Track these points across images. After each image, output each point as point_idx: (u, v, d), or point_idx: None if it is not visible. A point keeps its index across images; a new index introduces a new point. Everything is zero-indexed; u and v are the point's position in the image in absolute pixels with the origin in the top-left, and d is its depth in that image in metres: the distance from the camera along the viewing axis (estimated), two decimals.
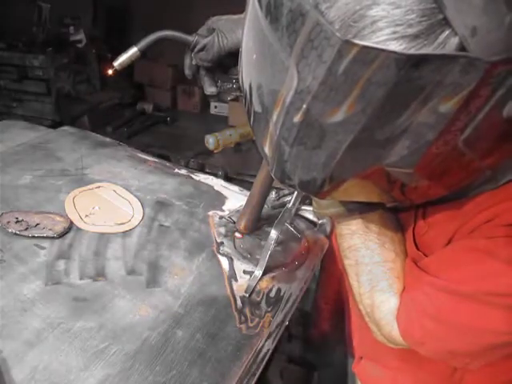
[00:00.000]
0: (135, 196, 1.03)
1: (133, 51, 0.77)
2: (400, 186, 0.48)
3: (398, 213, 0.68)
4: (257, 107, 0.48)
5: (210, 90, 0.82)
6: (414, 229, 0.65)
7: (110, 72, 0.78)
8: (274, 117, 0.44)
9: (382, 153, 0.41)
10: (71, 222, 0.91)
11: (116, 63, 0.78)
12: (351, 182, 0.47)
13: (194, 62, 0.76)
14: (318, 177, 0.46)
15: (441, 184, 0.48)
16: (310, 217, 1.05)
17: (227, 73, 0.75)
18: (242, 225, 0.93)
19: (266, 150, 0.50)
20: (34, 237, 0.86)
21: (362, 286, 0.66)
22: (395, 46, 0.34)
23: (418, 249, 0.63)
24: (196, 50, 0.74)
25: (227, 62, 0.76)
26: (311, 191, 0.50)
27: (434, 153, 0.41)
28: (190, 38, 0.75)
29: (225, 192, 1.11)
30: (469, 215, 0.56)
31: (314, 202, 0.68)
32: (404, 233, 0.67)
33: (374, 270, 0.64)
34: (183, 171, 1.20)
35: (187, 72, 0.80)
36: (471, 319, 0.54)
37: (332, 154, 0.42)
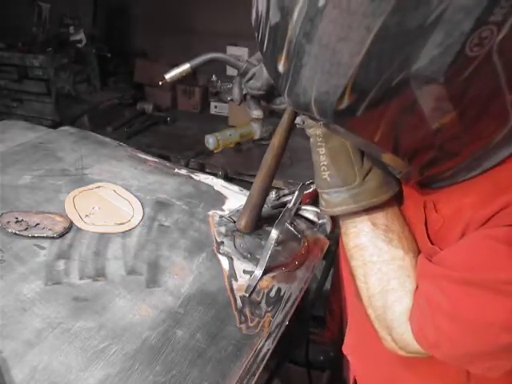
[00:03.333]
0: (135, 196, 1.03)
1: (185, 67, 0.80)
2: (423, 135, 0.44)
3: (406, 210, 0.66)
4: (274, 18, 0.45)
5: (256, 113, 0.82)
6: (426, 224, 0.61)
7: (160, 83, 0.82)
8: (295, 13, 0.41)
9: (411, 52, 0.38)
10: (71, 222, 0.91)
11: (167, 76, 0.81)
12: (371, 109, 0.43)
13: (244, 91, 0.79)
14: (339, 83, 0.42)
15: (468, 132, 0.45)
16: (310, 217, 1.05)
17: (271, 102, 0.78)
18: (242, 224, 0.93)
19: (281, 66, 0.46)
20: (33, 237, 0.86)
21: (371, 287, 0.63)
22: None
23: (432, 244, 0.60)
24: (246, 78, 0.76)
25: (273, 91, 0.77)
26: (328, 109, 0.45)
27: (466, 58, 0.38)
28: (240, 64, 0.77)
29: (225, 192, 1.11)
30: (486, 199, 0.52)
31: (321, 201, 0.65)
32: (414, 229, 0.64)
33: (383, 269, 0.61)
34: (183, 171, 1.20)
35: (236, 97, 0.81)
36: (491, 314, 0.50)
37: (357, 47, 0.39)
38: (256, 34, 0.50)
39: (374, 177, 0.60)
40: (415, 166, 0.53)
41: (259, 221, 0.96)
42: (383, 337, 0.64)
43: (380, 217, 0.62)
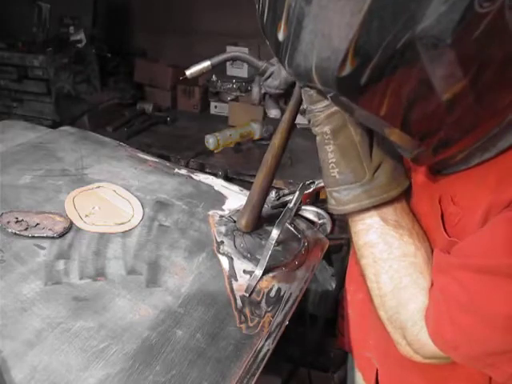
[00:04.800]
0: (135, 196, 1.03)
1: (205, 64, 0.82)
2: (433, 107, 0.42)
3: (420, 205, 0.64)
4: None
5: (274, 113, 0.84)
6: (442, 217, 0.59)
7: (181, 78, 0.85)
8: None
9: (416, 9, 0.36)
10: (71, 222, 0.91)
11: (188, 72, 0.84)
12: (375, 77, 0.40)
13: (262, 91, 0.80)
14: (340, 47, 0.40)
15: (481, 103, 0.42)
16: (310, 217, 1.05)
17: (287, 102, 0.78)
18: (242, 223, 0.93)
19: (281, 34, 0.45)
20: (33, 237, 0.86)
21: (383, 287, 0.60)
22: None
23: (449, 236, 0.57)
24: (264, 77, 0.77)
25: (291, 90, 0.77)
26: (330, 76, 0.43)
27: (475, 15, 0.35)
28: (260, 64, 0.78)
29: (225, 192, 1.11)
30: (505, 181, 0.49)
31: (331, 199, 0.63)
32: (428, 225, 0.62)
33: (394, 266, 0.59)
34: (183, 171, 1.20)
35: (254, 97, 0.83)
36: None
37: (358, 5, 0.37)
38: (257, 7, 0.49)
39: (383, 172, 0.59)
40: (427, 145, 0.50)
41: (259, 220, 0.96)
42: (397, 340, 0.61)
43: (390, 212, 0.60)
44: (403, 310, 0.58)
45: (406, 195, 0.63)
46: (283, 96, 0.79)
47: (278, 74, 0.75)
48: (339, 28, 0.39)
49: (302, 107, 0.66)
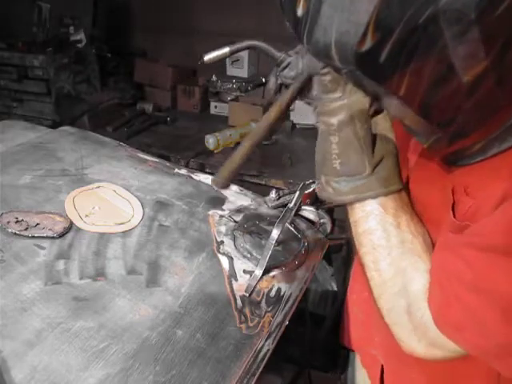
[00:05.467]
0: (135, 196, 1.03)
1: (224, 51, 0.80)
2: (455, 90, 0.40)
3: (430, 197, 0.63)
4: None
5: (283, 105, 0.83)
6: (453, 208, 0.58)
7: (199, 63, 0.83)
8: None
9: None
10: (71, 222, 0.91)
11: (206, 57, 0.82)
12: (395, 53, 0.39)
13: (278, 81, 0.78)
14: (360, 20, 0.39)
15: (503, 88, 0.41)
16: (310, 217, 1.05)
17: (304, 94, 0.74)
18: (221, 174, 0.87)
19: (300, 9, 0.44)
20: (33, 237, 0.86)
21: (383, 274, 0.60)
22: None
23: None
24: (281, 67, 0.76)
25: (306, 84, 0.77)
26: (349, 51, 0.42)
27: None
28: (278, 54, 0.78)
29: (225, 192, 1.11)
30: None
31: (329, 188, 0.62)
32: (437, 216, 0.61)
33: (392, 253, 0.59)
34: (183, 171, 1.20)
35: (270, 86, 0.80)
36: None
37: None
38: None
39: (384, 168, 0.59)
40: (444, 132, 0.49)
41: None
42: (398, 337, 0.60)
43: (389, 202, 0.60)
44: (405, 294, 0.58)
45: (405, 189, 0.63)
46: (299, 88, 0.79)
47: (295, 65, 0.73)
48: (360, 1, 0.39)
49: (312, 93, 0.62)
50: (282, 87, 0.78)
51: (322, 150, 0.62)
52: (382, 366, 0.83)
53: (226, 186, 0.79)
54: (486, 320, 0.49)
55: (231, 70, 2.86)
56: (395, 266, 0.59)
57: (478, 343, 0.52)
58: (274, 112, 0.76)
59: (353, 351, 0.98)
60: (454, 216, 0.57)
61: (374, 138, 0.59)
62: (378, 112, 0.58)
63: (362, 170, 0.59)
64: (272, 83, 0.79)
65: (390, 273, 0.59)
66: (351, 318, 0.93)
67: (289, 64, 0.74)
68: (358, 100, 0.56)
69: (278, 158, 2.32)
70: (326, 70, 0.55)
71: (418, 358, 0.60)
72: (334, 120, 0.59)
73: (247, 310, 0.78)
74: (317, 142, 0.63)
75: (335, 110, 0.58)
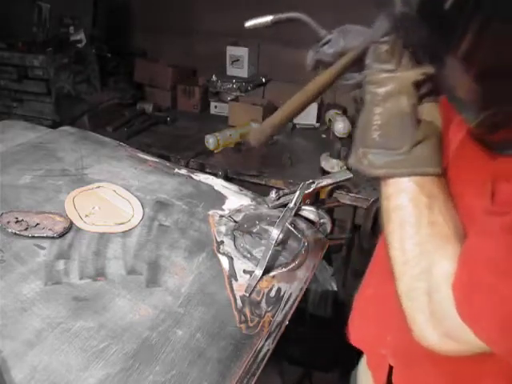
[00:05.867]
0: (135, 196, 1.03)
1: (267, 19, 0.81)
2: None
3: (467, 185, 0.60)
4: None
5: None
6: (493, 195, 0.54)
7: (246, 26, 0.82)
8: None
9: None
10: (71, 222, 0.91)
11: (247, 24, 0.81)
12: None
13: (316, 57, 0.77)
14: None
15: None
16: (310, 217, 1.05)
17: (355, 64, 0.72)
18: (256, 132, 0.77)
19: None
20: (33, 237, 0.86)
21: (407, 253, 0.57)
22: None
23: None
24: (321, 43, 0.75)
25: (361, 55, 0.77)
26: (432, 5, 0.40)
27: None
28: (321, 31, 0.77)
29: (225, 192, 1.11)
30: None
31: (364, 160, 0.60)
32: (473, 205, 0.58)
33: (421, 232, 0.56)
34: (183, 171, 1.20)
35: (308, 62, 0.78)
36: None
37: None
38: None
39: (423, 149, 0.57)
40: (493, 114, 0.47)
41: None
42: (413, 318, 0.57)
43: (425, 184, 0.58)
44: (427, 276, 0.55)
45: (444, 174, 0.60)
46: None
47: (335, 42, 0.72)
48: None
49: (366, 61, 0.61)
50: (317, 63, 0.77)
51: (364, 120, 0.61)
52: (390, 367, 0.81)
53: (262, 142, 0.76)
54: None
55: (231, 70, 2.86)
56: (421, 246, 0.56)
57: (500, 336, 0.49)
58: (324, 76, 0.73)
59: (359, 352, 0.96)
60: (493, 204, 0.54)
61: (419, 120, 0.58)
62: (427, 95, 0.58)
63: (399, 145, 0.57)
64: (310, 58, 0.77)
65: (415, 252, 0.57)
66: (362, 315, 0.90)
67: (329, 41, 0.73)
68: (410, 76, 0.55)
69: (278, 158, 2.32)
70: (385, 39, 0.55)
71: (430, 355, 0.58)
72: (382, 90, 0.58)
73: (247, 310, 0.78)
74: (361, 113, 0.62)
75: (384, 81, 0.57)
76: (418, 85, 0.56)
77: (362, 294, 0.92)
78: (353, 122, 2.04)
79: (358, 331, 0.92)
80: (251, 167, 2.20)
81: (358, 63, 0.64)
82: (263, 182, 2.11)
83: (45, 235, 0.86)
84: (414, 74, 0.55)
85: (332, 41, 0.73)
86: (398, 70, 0.56)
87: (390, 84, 0.57)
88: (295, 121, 2.71)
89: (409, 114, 0.57)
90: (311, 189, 1.04)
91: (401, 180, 0.59)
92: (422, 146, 0.57)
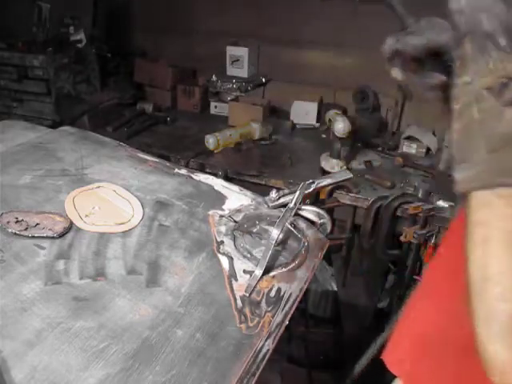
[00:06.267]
0: (135, 196, 1.03)
1: None
2: None
3: None
4: None
5: (397, 74, 0.74)
6: None
7: None
8: None
9: None
10: (71, 222, 0.91)
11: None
12: None
13: (396, 45, 0.71)
14: None
15: None
16: (310, 217, 1.05)
17: (419, 72, 0.70)
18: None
19: None
20: (33, 237, 0.86)
21: (489, 270, 0.51)
22: None
23: None
24: (406, 31, 0.70)
25: (427, 60, 0.69)
26: None
27: None
28: (407, 18, 0.72)
29: (225, 192, 1.11)
30: None
31: (454, 175, 0.55)
32: None
33: (507, 249, 0.50)
34: (183, 171, 1.20)
35: (385, 48, 0.73)
36: None
37: None
38: None
39: (503, 157, 0.52)
40: None
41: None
42: (487, 344, 0.50)
43: (510, 194, 0.53)
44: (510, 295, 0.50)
45: None
46: (415, 62, 0.69)
47: (421, 32, 0.67)
48: None
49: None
50: (396, 54, 0.71)
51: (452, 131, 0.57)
52: None
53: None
54: None
55: (231, 70, 2.86)
56: (506, 263, 0.51)
57: None
58: None
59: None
60: None
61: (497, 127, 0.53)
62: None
63: (471, 155, 0.53)
64: (388, 45, 0.71)
65: (499, 269, 0.51)
66: (415, 351, 0.79)
67: (415, 31, 0.68)
68: (483, 83, 0.52)
69: (278, 158, 2.33)
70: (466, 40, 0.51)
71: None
72: (457, 106, 0.54)
73: (247, 310, 0.78)
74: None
75: (459, 95, 0.54)
76: (497, 89, 0.51)
77: (415, 326, 0.80)
78: (352, 123, 2.04)
79: (404, 363, 0.81)
80: (251, 167, 2.20)
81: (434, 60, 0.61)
82: (263, 182, 2.12)
83: (45, 235, 0.86)
84: (490, 79, 0.51)
85: (419, 31, 0.68)
86: (475, 76, 0.52)
87: (463, 96, 0.54)
88: (295, 121, 2.72)
89: (477, 121, 0.53)
90: (311, 189, 1.04)
91: (482, 193, 0.54)
92: (501, 154, 0.52)
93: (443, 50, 0.63)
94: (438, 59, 0.63)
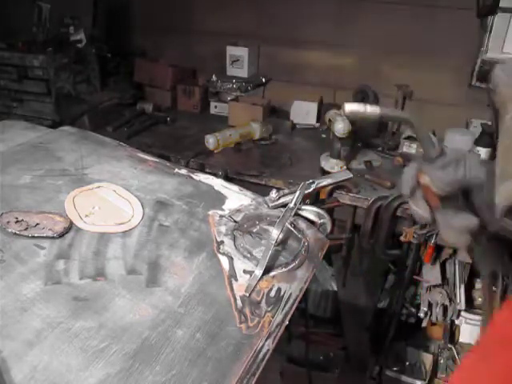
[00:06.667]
0: (135, 196, 1.03)
1: (374, 109, 0.62)
2: None
3: None
4: None
5: (422, 214, 0.64)
6: None
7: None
8: None
9: None
10: (71, 222, 0.91)
11: (348, 108, 0.62)
12: None
13: (426, 180, 0.61)
14: None
15: None
16: (310, 217, 1.05)
17: (438, 209, 0.61)
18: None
19: None
20: (33, 237, 0.86)
21: None
22: None
23: None
24: (434, 164, 0.61)
25: (455, 196, 0.62)
26: None
27: None
28: (434, 147, 0.62)
29: (225, 192, 1.11)
30: None
31: (502, 189, 0.51)
32: None
33: None
34: (183, 171, 1.20)
35: (404, 186, 0.64)
36: None
37: None
38: None
39: None
40: None
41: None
42: None
43: None
44: None
45: None
46: (439, 198, 0.60)
47: (452, 169, 0.58)
48: None
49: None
50: (417, 190, 0.63)
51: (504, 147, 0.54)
52: None
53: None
54: None
55: (231, 70, 2.86)
56: None
57: None
58: None
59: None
60: None
61: None
62: None
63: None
64: (410, 176, 0.63)
65: None
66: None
67: (448, 164, 0.60)
68: None
69: (278, 158, 2.33)
70: None
71: None
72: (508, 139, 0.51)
73: (247, 310, 0.78)
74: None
75: None
76: None
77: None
78: (352, 122, 2.04)
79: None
80: (251, 167, 2.20)
81: None
82: (263, 182, 2.12)
83: (45, 235, 0.86)
84: None
85: (447, 164, 0.60)
86: None
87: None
88: (295, 121, 2.72)
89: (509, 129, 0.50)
90: (311, 189, 1.04)
91: None
92: None
93: (472, 187, 0.58)
94: (463, 197, 0.59)
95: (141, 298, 0.76)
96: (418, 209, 0.64)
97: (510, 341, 0.55)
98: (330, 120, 2.18)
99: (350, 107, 0.61)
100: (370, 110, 0.61)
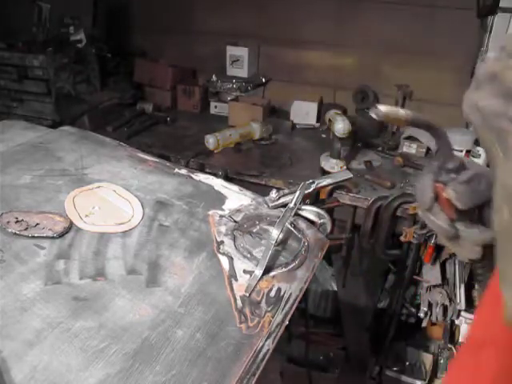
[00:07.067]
0: (135, 196, 1.03)
1: (406, 112, 0.59)
2: None
3: None
4: None
5: (441, 224, 0.61)
6: None
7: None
8: None
9: None
10: (71, 222, 0.91)
11: (382, 109, 0.57)
12: None
13: (449, 194, 0.58)
14: None
15: None
16: (310, 217, 1.05)
17: (465, 223, 0.58)
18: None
19: None
20: (33, 237, 0.86)
21: None
22: None
23: None
24: (457, 177, 0.58)
25: (472, 209, 0.59)
26: None
27: None
28: (453, 161, 0.59)
29: (225, 192, 1.11)
30: None
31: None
32: None
33: None
34: (183, 171, 1.20)
35: (421, 195, 0.60)
36: None
37: None
38: None
39: None
40: None
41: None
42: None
43: None
44: None
45: None
46: (456, 210, 0.58)
47: (480, 182, 0.55)
48: None
49: None
50: (437, 199, 0.61)
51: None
52: None
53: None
54: None
55: (231, 70, 2.86)
56: None
57: None
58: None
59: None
60: None
61: None
62: None
63: None
64: (427, 187, 0.60)
65: None
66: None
67: (470, 179, 0.57)
68: None
69: (278, 158, 2.33)
70: None
71: None
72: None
73: (247, 310, 0.78)
74: None
75: None
76: None
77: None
78: (352, 122, 2.04)
79: None
80: (251, 167, 2.20)
81: None
82: (263, 182, 2.11)
83: (45, 235, 0.86)
84: None
85: (471, 179, 0.58)
86: None
87: None
88: (295, 121, 2.72)
89: None
90: (311, 189, 1.04)
91: None
92: None
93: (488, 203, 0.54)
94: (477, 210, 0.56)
95: (141, 298, 0.76)
96: (439, 221, 0.61)
97: (486, 340, 0.53)
98: (329, 120, 2.18)
99: (386, 109, 0.58)
100: (403, 112, 0.59)
